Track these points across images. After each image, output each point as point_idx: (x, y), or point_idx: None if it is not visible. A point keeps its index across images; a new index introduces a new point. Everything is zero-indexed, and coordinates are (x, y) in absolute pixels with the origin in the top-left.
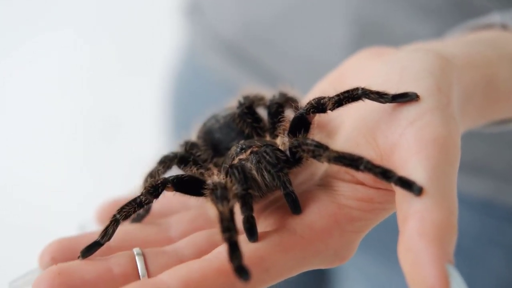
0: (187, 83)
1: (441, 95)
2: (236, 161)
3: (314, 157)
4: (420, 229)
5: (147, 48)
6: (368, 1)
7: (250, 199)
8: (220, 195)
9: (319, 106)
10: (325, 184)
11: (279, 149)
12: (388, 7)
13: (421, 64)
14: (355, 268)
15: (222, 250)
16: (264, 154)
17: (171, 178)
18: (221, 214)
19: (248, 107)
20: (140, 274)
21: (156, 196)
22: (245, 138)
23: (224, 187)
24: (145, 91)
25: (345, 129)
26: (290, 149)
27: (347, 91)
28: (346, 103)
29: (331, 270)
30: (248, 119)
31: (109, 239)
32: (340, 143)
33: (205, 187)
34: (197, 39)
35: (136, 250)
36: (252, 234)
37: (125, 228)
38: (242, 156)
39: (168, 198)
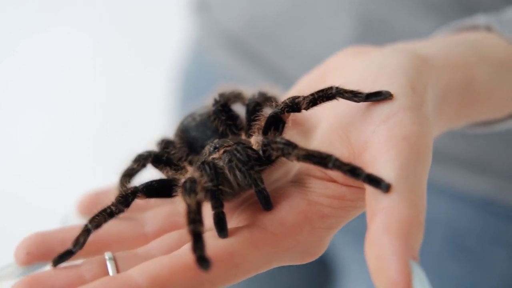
0: (195, 79)
1: (415, 94)
2: (209, 160)
3: (284, 155)
4: (386, 224)
5: (154, 45)
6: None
7: (221, 195)
8: (188, 187)
9: (294, 105)
10: (298, 181)
11: (250, 148)
12: (392, 4)
13: (398, 64)
14: (358, 265)
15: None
16: (235, 152)
17: (140, 186)
18: (188, 206)
19: (222, 105)
20: None
21: (127, 205)
22: (220, 137)
23: (193, 180)
24: (152, 88)
25: (322, 127)
26: (262, 147)
27: (322, 90)
28: (320, 103)
29: (334, 266)
30: (223, 116)
31: (80, 247)
32: (317, 141)
33: (177, 184)
34: (204, 35)
35: (107, 255)
36: (222, 230)
37: (104, 227)
38: (215, 155)
39: None
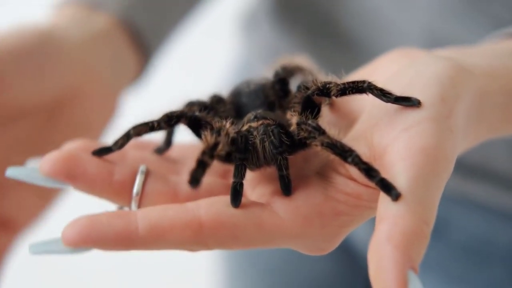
0: None
1: (444, 106)
2: (246, 127)
3: (309, 138)
4: (389, 233)
5: (202, 59)
6: (441, 18)
7: (244, 169)
8: (215, 130)
9: (324, 90)
10: (322, 172)
11: (286, 132)
12: (461, 21)
13: (433, 72)
14: None
15: (203, 203)
16: (270, 133)
17: (189, 113)
18: (207, 143)
19: (282, 79)
20: (134, 190)
21: (169, 125)
22: (267, 109)
23: (222, 127)
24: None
25: (359, 121)
26: (296, 127)
27: (353, 82)
28: (350, 93)
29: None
30: (278, 89)
31: (119, 148)
32: (351, 134)
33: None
34: (252, 51)
35: (142, 168)
36: (235, 200)
37: (145, 155)
38: (253, 124)
39: None
